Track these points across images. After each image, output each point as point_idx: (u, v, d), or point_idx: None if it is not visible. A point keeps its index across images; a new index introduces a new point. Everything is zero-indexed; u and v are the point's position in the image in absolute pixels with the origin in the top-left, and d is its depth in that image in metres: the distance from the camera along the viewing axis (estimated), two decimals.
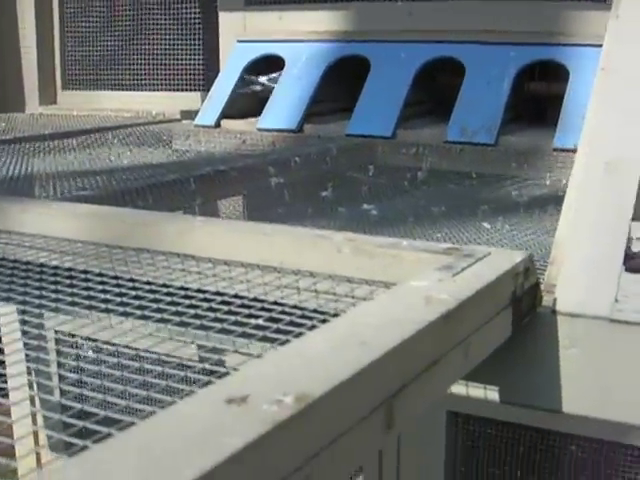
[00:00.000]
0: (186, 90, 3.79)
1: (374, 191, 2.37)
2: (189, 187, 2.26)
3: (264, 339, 1.02)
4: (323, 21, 3.30)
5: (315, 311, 1.11)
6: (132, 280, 1.26)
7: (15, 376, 1.11)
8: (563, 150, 2.58)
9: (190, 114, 3.44)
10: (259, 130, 3.09)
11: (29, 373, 1.31)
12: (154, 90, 3.89)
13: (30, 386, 1.55)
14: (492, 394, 1.32)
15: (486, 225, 1.95)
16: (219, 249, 1.34)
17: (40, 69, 4.14)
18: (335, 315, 1.09)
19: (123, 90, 3.98)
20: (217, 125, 3.21)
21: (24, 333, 1.13)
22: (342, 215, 2.11)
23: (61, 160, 2.70)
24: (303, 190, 2.45)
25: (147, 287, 1.23)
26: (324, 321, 1.07)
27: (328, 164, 2.69)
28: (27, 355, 1.16)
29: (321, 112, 3.18)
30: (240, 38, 3.42)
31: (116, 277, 1.29)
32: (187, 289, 1.23)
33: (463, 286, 1.06)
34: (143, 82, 3.94)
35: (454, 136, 2.79)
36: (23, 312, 1.10)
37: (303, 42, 3.27)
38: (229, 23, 3.51)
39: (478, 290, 1.06)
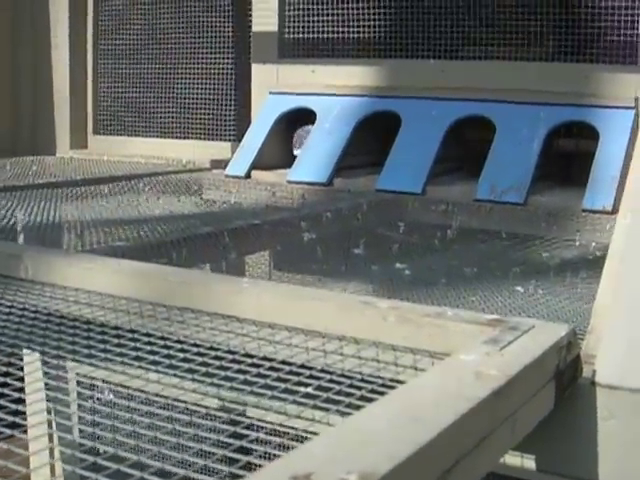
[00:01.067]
0: (217, 139, 3.84)
1: (405, 249, 2.36)
2: (223, 240, 2.26)
3: (316, 408, 1.04)
4: (356, 76, 3.33)
5: (362, 380, 1.13)
6: (179, 342, 1.27)
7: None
8: (592, 211, 2.62)
9: (220, 163, 3.49)
10: (289, 182, 3.14)
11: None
12: (185, 138, 3.94)
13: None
14: (532, 463, 1.33)
15: (519, 289, 1.93)
16: (264, 312, 1.36)
17: (72, 113, 4.19)
18: (383, 385, 1.10)
19: (154, 137, 4.03)
20: (247, 176, 3.26)
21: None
22: (375, 274, 2.10)
23: (93, 207, 2.73)
24: (335, 246, 2.46)
25: (195, 349, 1.24)
26: (372, 391, 1.09)
27: (359, 220, 2.69)
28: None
29: (351, 166, 3.21)
30: (273, 90, 3.46)
31: (163, 337, 1.30)
32: (235, 352, 1.24)
33: (511, 361, 1.08)
34: (174, 130, 3.99)
35: (484, 194, 2.81)
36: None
37: (335, 96, 3.31)
38: (262, 75, 3.55)
39: (526, 365, 1.08)
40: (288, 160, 3.29)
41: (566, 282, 2.04)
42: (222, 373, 1.15)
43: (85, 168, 3.60)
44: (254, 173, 3.26)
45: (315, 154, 3.17)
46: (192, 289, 1.44)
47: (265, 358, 1.21)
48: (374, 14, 3.32)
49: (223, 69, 3.81)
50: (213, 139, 3.80)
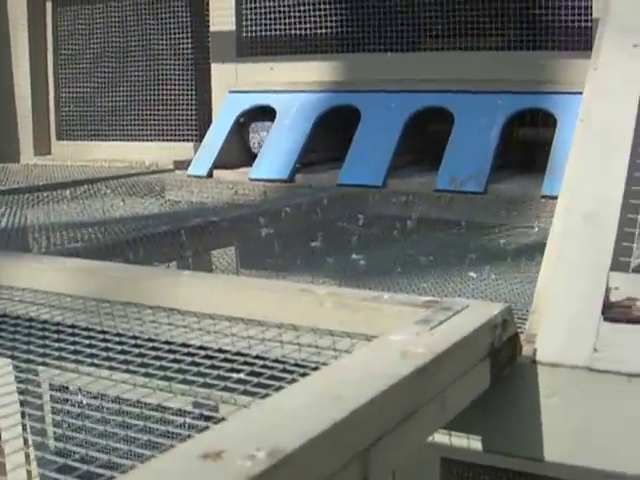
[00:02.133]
0: (180, 140, 3.82)
1: (363, 241, 2.36)
2: (180, 239, 2.27)
3: (246, 393, 1.04)
4: (314, 72, 3.33)
5: (297, 364, 1.13)
6: (119, 335, 1.28)
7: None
8: (552, 197, 2.54)
9: (183, 164, 3.47)
10: (251, 180, 3.13)
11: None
12: (147, 140, 3.92)
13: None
14: (478, 443, 1.34)
15: (472, 274, 1.95)
16: (205, 303, 1.36)
17: (35, 120, 4.18)
18: (316, 368, 1.11)
19: (117, 141, 4.02)
20: (209, 175, 3.25)
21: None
22: (330, 265, 2.12)
23: (54, 211, 2.73)
24: (293, 240, 2.46)
25: (133, 342, 1.25)
26: (304, 374, 1.09)
27: (319, 214, 2.70)
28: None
29: (313, 162, 3.22)
30: (232, 89, 3.45)
31: (103, 331, 1.30)
32: (172, 343, 1.24)
33: (440, 339, 1.08)
34: (137, 133, 3.97)
35: (444, 185, 2.82)
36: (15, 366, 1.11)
37: (294, 92, 3.30)
38: (221, 74, 3.54)
39: (454, 343, 1.08)
40: (250, 158, 3.28)
41: (521, 267, 2.06)
42: (157, 363, 1.14)
43: (49, 174, 3.60)
44: (216, 172, 3.26)
45: (276, 151, 3.17)
46: (134, 284, 1.45)
47: (202, 347, 1.20)
48: (330, 10, 3.31)
49: (183, 70, 3.80)
50: (176, 140, 3.79)
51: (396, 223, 2.54)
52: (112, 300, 1.44)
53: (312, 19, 3.34)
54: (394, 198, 2.83)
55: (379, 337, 1.11)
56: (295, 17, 3.37)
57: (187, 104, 3.79)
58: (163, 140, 3.87)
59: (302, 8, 3.35)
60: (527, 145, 3.18)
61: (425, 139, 3.30)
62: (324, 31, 3.34)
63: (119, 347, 1.23)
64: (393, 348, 1.05)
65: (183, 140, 3.78)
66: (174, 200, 3.00)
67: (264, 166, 3.17)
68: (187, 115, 3.79)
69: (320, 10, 3.33)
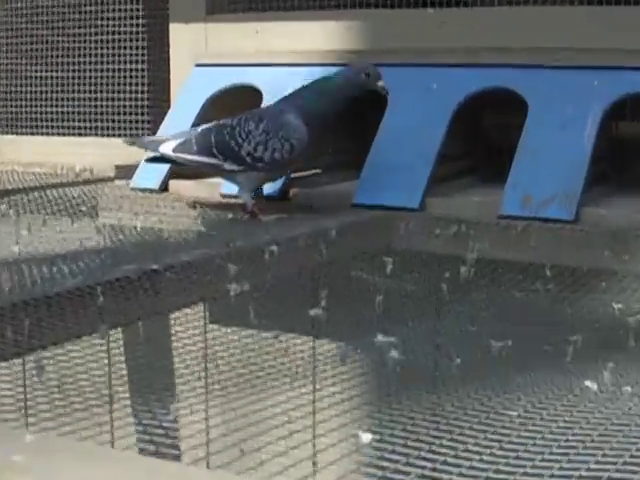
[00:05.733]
0: (124, 135, 3.56)
1: (393, 305, 2.13)
2: (93, 303, 1.92)
3: None
4: (318, 36, 3.15)
5: None
6: None
7: None
8: None
9: (128, 171, 3.21)
10: (224, 197, 2.91)
11: None
12: (79, 135, 3.68)
13: None
14: None
15: (589, 384, 1.59)
16: None
17: None
18: None
19: (37, 135, 3.76)
20: (163, 189, 3.04)
21: None
22: (339, 356, 1.83)
23: None
24: (278, 306, 2.19)
25: None
26: None
27: (323, 254, 2.43)
28: None
29: (314, 168, 3.12)
30: (200, 61, 3.28)
31: None
32: None
33: None
34: (65, 124, 3.73)
35: (513, 208, 2.60)
36: None
37: (289, 67, 3.12)
38: (184, 39, 3.37)
39: None
40: None
41: None
42: None
43: None
44: (173, 184, 3.03)
45: None
46: None
47: None
48: None
49: (129, 34, 3.59)
50: (120, 135, 3.56)
51: (443, 270, 2.33)
52: None
53: None
54: (437, 228, 2.60)
55: None
56: None
57: (135, 83, 3.60)
58: (101, 135, 3.63)
59: None
60: (633, 148, 3.02)
61: (482, 137, 3.13)
62: None
63: None
64: None
65: (130, 134, 3.58)
66: (108, 227, 2.79)
67: None
68: (136, 99, 3.61)
69: None
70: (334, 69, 2.97)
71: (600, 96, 2.68)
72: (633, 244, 2.41)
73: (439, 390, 1.64)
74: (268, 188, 2.86)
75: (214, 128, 2.62)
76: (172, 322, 2.21)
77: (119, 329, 2.01)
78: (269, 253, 2.31)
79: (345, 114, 2.86)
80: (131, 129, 3.57)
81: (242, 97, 3.16)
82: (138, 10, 3.55)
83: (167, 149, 2.67)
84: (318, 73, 2.98)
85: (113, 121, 3.61)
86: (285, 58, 3.13)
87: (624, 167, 3.02)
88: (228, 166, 2.60)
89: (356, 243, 2.60)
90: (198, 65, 3.29)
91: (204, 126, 2.66)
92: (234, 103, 3.16)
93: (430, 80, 2.89)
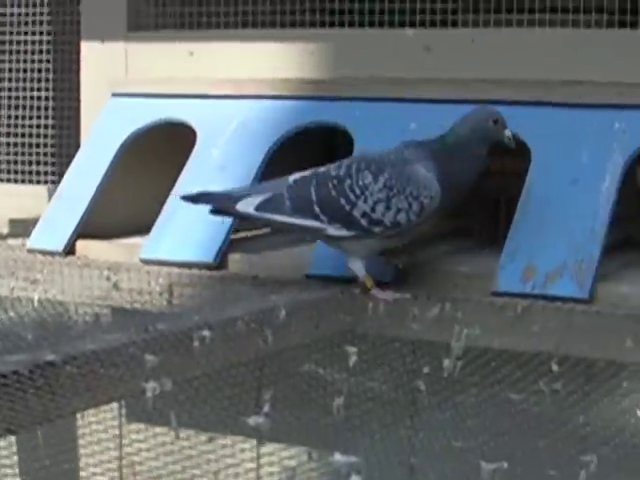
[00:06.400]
0: (22, 182, 3.60)
1: (356, 411, 2.17)
2: None
3: None
4: (268, 61, 3.17)
5: None
6: None
7: None
8: None
9: (26, 227, 3.24)
10: (144, 262, 2.91)
11: None
12: None
13: None
14: None
15: None
16: None
17: None
18: None
19: None
20: (69, 251, 3.03)
21: None
22: None
23: None
24: (211, 411, 2.17)
25: None
26: None
27: (268, 341, 2.40)
28: None
29: (260, 227, 3.12)
30: (118, 90, 3.30)
31: None
32: None
33: None
34: None
35: (511, 284, 2.58)
36: None
37: (231, 98, 3.15)
38: (98, 61, 3.38)
39: None
40: (147, 218, 3.04)
41: None
42: None
43: None
44: (81, 245, 3.04)
45: (192, 210, 2.83)
46: None
47: None
48: None
49: (31, 53, 3.61)
50: (16, 180, 3.61)
51: (421, 363, 2.39)
52: None
53: None
54: (416, 308, 2.57)
55: None
56: None
57: (37, 116, 3.63)
58: None
59: None
60: None
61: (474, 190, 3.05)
62: None
63: None
64: None
65: (29, 181, 3.61)
66: None
67: (171, 238, 2.96)
68: (37, 135, 3.62)
69: None
70: (288, 104, 3.04)
71: (622, 142, 2.67)
72: None
73: None
74: (203, 253, 2.87)
75: (314, 178, 2.49)
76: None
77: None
78: (199, 340, 2.27)
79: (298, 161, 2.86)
80: (30, 173, 3.59)
81: (171, 137, 3.21)
82: (42, 23, 3.57)
83: (248, 207, 2.52)
84: (270, 108, 3.06)
85: (8, 162, 3.62)
86: (226, 88, 3.14)
87: None
88: (333, 230, 2.48)
89: (311, 327, 2.58)
90: (116, 95, 3.31)
91: (298, 175, 2.54)
92: (160, 145, 3.23)
93: (406, 116, 2.90)
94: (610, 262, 2.60)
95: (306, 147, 3.19)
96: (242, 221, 2.93)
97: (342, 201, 2.43)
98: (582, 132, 2.72)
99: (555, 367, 2.29)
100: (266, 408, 2.06)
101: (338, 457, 1.84)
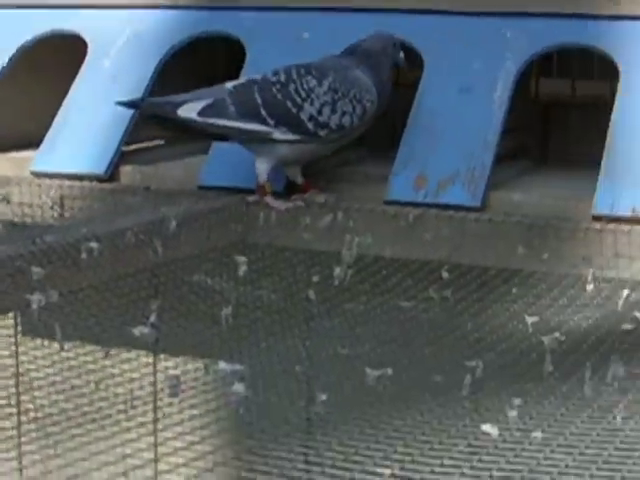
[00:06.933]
0: None
1: (244, 320, 2.11)
2: None
3: None
4: None
5: None
6: None
7: None
8: (612, 218, 2.45)
9: None
10: (34, 175, 2.89)
11: None
12: None
13: None
14: None
15: (490, 430, 1.57)
16: None
17: None
18: None
19: None
20: None
21: None
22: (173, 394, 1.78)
23: None
24: (96, 322, 2.07)
25: None
26: None
27: (158, 252, 2.41)
28: None
29: (152, 139, 3.16)
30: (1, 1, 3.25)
31: None
32: None
33: None
34: None
35: (402, 192, 2.61)
36: None
37: (123, 8, 3.11)
38: None
39: None
40: (39, 132, 3.00)
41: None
42: None
43: None
44: None
45: (83, 121, 2.93)
46: None
47: None
48: None
49: None
50: None
51: (311, 272, 2.36)
52: None
53: None
54: (307, 216, 2.62)
55: None
56: None
57: None
58: None
59: None
60: (555, 112, 3.12)
61: None
62: None
63: None
64: None
65: None
66: None
67: (60, 150, 2.92)
68: None
69: None
70: (186, 13, 3.03)
71: (514, 50, 2.70)
72: (554, 239, 2.45)
73: (291, 440, 1.59)
74: (93, 164, 2.84)
75: (255, 85, 2.48)
76: None
77: None
78: (87, 252, 2.29)
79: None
80: None
81: (62, 49, 3.14)
82: None
83: (190, 113, 2.48)
84: (162, 18, 3.02)
85: None
86: None
87: (548, 137, 3.10)
88: (279, 134, 2.46)
89: (202, 238, 2.60)
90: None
91: (234, 82, 2.53)
92: (51, 57, 3.17)
93: (290, 26, 2.90)
94: (503, 171, 2.64)
95: (200, 58, 3.18)
96: (174, 130, 2.88)
97: (289, 104, 2.44)
98: (474, 40, 2.73)
99: (445, 274, 2.30)
100: (152, 318, 2.00)
101: (223, 365, 1.81)
